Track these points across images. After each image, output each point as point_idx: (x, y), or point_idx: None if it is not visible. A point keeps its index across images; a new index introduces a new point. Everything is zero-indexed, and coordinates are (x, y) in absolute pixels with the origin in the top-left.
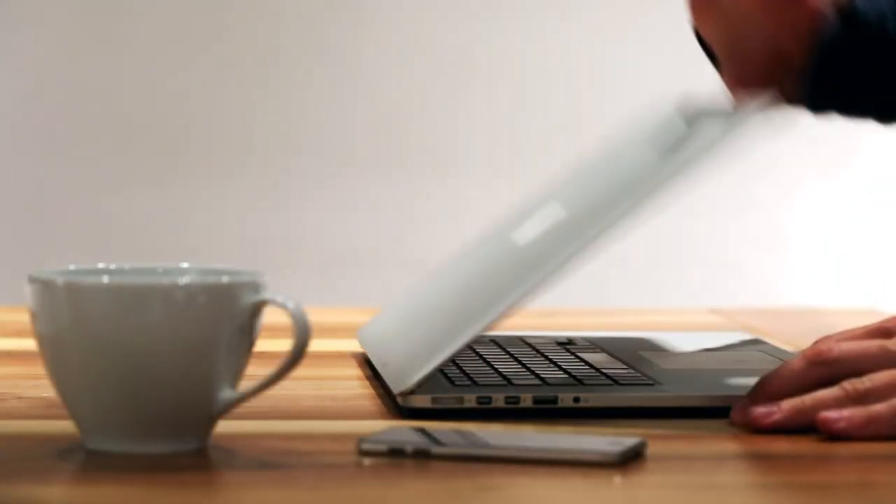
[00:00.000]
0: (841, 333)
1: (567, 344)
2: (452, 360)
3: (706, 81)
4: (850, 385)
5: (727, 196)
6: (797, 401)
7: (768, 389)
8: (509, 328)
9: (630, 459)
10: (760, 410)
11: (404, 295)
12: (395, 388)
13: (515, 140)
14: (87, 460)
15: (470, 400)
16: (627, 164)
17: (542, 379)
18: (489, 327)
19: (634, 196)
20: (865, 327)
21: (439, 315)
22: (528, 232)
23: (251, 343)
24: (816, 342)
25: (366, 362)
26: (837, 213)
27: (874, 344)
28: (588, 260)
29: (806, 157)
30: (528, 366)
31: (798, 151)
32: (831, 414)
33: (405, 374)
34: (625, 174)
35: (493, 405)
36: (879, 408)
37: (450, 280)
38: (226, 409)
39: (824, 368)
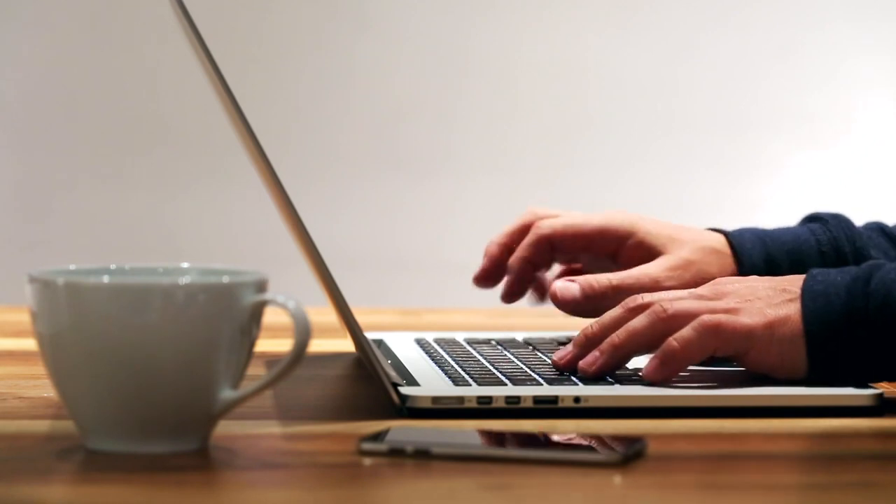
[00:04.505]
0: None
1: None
2: (453, 360)
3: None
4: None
5: (727, 196)
6: (613, 337)
7: (591, 336)
8: (510, 328)
9: (630, 459)
10: (586, 359)
11: None
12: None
13: (513, 140)
14: (87, 460)
15: (470, 400)
16: None
17: (542, 379)
18: None
19: None
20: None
21: None
22: None
23: (251, 343)
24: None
25: (366, 362)
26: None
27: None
28: None
29: (809, 158)
30: (528, 366)
31: (801, 153)
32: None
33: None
34: None
35: (493, 405)
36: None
37: None
38: (226, 409)
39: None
